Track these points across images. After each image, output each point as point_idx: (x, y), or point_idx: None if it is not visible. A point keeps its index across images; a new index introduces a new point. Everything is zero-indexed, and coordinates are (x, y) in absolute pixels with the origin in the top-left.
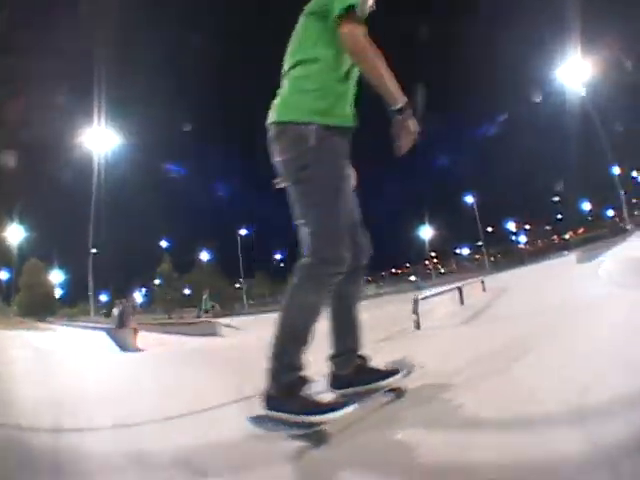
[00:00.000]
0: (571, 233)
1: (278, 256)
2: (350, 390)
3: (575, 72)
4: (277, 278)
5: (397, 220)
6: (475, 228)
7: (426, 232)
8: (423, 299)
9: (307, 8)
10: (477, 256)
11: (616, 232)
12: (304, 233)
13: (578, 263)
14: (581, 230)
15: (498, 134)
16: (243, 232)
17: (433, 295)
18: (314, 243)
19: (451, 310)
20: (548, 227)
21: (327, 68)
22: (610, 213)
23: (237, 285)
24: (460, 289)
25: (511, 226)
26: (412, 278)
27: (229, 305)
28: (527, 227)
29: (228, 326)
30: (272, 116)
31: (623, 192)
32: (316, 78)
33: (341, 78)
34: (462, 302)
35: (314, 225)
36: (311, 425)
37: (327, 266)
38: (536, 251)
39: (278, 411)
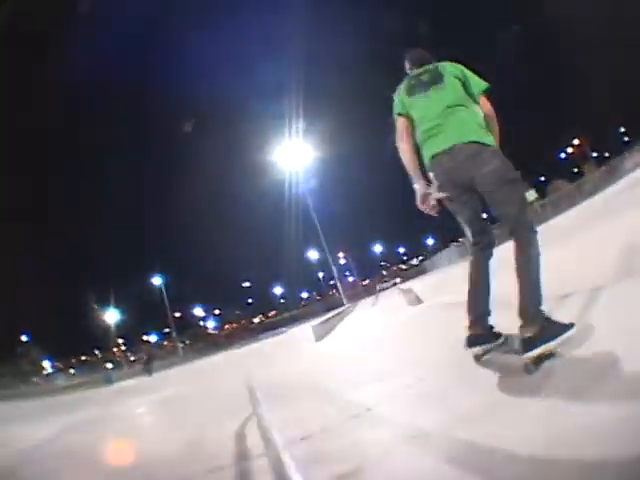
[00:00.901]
0: (261, 316)
1: None
2: None
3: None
4: None
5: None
6: (164, 313)
7: (112, 316)
8: None
9: (450, 71)
10: (166, 342)
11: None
12: (506, 207)
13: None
14: (273, 312)
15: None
16: None
17: None
18: (528, 216)
19: None
20: (238, 312)
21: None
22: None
23: None
24: None
25: (198, 311)
26: (109, 365)
27: None
28: (217, 312)
29: None
30: (469, 136)
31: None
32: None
33: None
34: None
35: (521, 199)
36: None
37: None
38: (230, 335)
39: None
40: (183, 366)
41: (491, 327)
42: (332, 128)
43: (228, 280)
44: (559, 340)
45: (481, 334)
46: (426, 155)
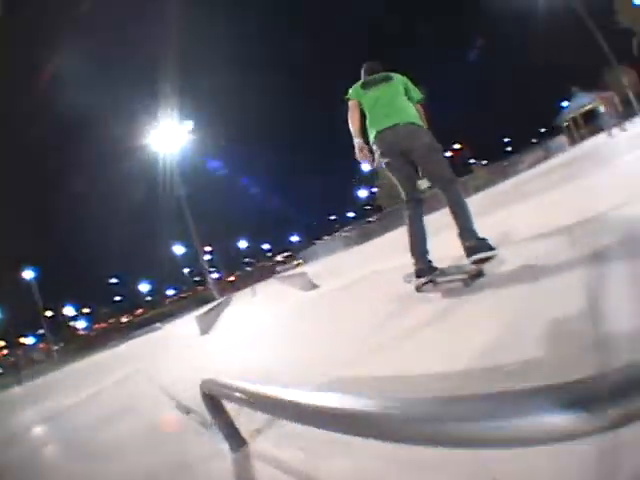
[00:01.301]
0: (128, 315)
1: None
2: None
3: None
4: None
5: None
6: (37, 312)
7: None
8: None
9: (398, 77)
10: (42, 345)
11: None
12: (437, 170)
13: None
14: (140, 311)
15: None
16: None
17: None
18: (450, 171)
19: None
20: (106, 310)
21: None
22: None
23: None
24: None
25: (69, 310)
26: None
27: None
28: (87, 311)
29: None
30: (408, 119)
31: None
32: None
33: None
34: None
35: (447, 163)
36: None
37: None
38: (101, 335)
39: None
40: (58, 371)
41: (430, 262)
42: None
43: (95, 276)
44: (490, 253)
45: (423, 268)
46: (372, 132)
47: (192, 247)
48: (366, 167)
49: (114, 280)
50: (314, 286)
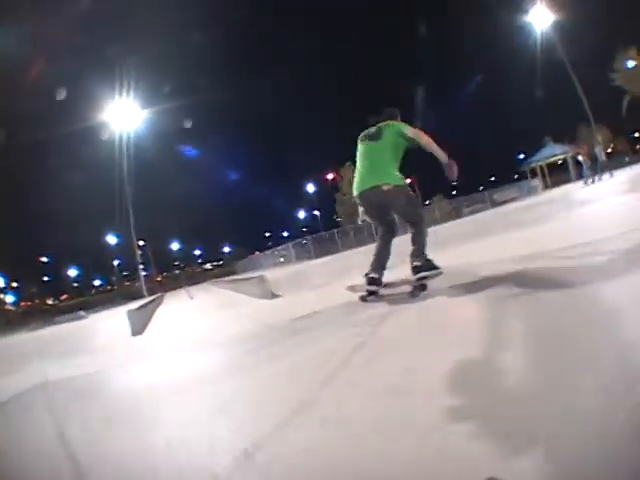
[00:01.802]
0: (54, 298)
1: None
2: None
3: None
4: None
5: None
6: None
7: None
8: None
9: (389, 130)
10: None
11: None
12: (409, 217)
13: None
14: (65, 296)
15: None
16: None
17: None
18: (419, 214)
19: None
20: (34, 289)
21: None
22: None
23: None
24: None
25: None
26: None
27: None
28: (15, 285)
29: None
30: (389, 181)
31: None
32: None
33: None
34: None
35: (417, 210)
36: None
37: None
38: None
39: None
40: None
41: (380, 278)
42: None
43: (27, 251)
44: (434, 272)
45: (377, 278)
46: (356, 188)
47: (125, 239)
48: (311, 189)
49: (45, 259)
50: (274, 295)
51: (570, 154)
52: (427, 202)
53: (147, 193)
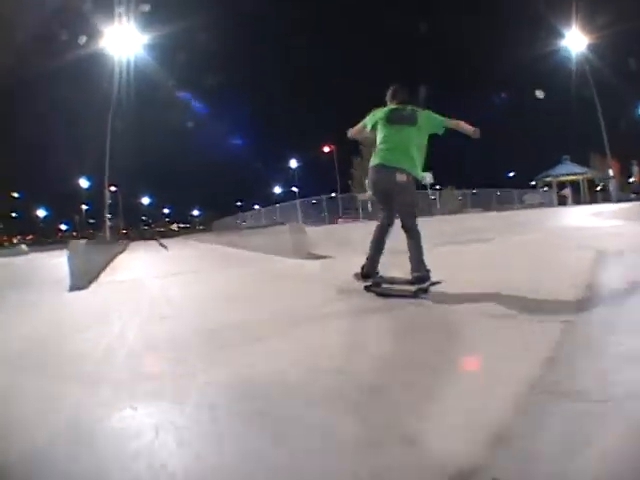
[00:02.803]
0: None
1: None
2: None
3: None
4: None
5: None
6: None
7: None
8: None
9: (420, 124)
10: None
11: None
12: (405, 219)
13: None
14: (30, 237)
15: None
16: None
17: None
18: (414, 222)
19: None
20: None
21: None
22: None
23: None
24: None
25: None
26: None
27: None
28: None
29: None
30: (410, 168)
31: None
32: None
33: None
34: None
35: (414, 214)
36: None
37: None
38: None
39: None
40: None
41: (377, 269)
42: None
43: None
44: (433, 283)
45: (372, 271)
46: (374, 161)
47: (97, 183)
48: (293, 164)
49: (16, 194)
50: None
51: (586, 176)
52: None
53: (129, 137)
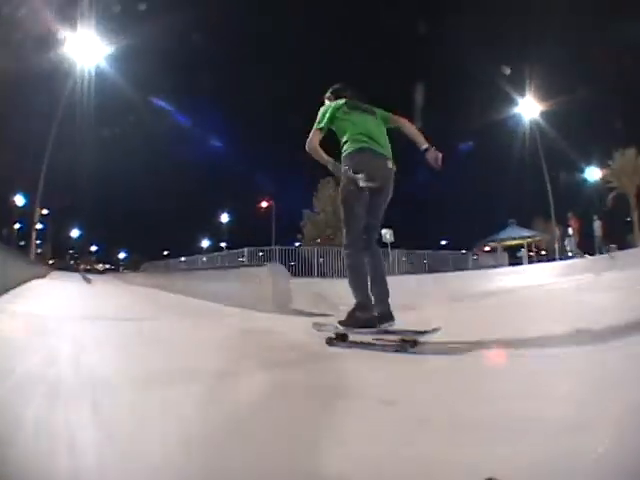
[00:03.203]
0: None
1: None
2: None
3: None
4: None
5: None
6: None
7: None
8: None
9: (380, 118)
10: None
11: None
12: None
13: None
14: None
15: None
16: None
17: None
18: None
19: None
20: None
21: None
22: None
23: None
24: None
25: None
26: None
27: None
28: None
29: None
30: (392, 163)
31: None
32: None
33: None
34: None
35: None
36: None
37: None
38: None
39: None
40: None
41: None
42: None
43: None
44: (391, 323)
45: (367, 303)
46: (353, 146)
47: (32, 203)
48: (224, 218)
49: None
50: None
51: (530, 240)
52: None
53: (69, 160)
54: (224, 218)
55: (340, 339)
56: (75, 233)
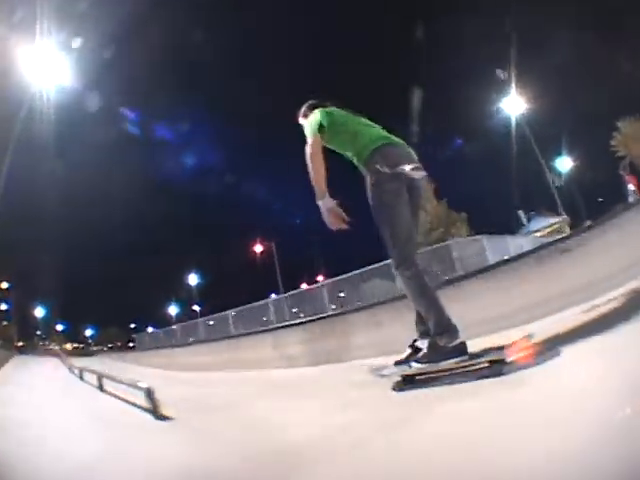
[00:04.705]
0: None
1: None
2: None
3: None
4: None
5: None
6: None
7: None
8: None
9: None
10: None
11: None
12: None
13: None
14: None
15: None
16: None
17: None
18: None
19: None
20: None
21: None
22: None
23: None
24: None
25: None
26: None
27: None
28: None
29: None
30: None
31: None
32: None
33: None
34: None
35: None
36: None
37: None
38: None
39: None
40: None
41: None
42: None
43: None
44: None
45: (449, 322)
46: (381, 142)
47: None
48: (193, 281)
49: None
50: None
51: (560, 224)
52: None
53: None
54: (192, 280)
55: (408, 381)
56: (40, 312)
